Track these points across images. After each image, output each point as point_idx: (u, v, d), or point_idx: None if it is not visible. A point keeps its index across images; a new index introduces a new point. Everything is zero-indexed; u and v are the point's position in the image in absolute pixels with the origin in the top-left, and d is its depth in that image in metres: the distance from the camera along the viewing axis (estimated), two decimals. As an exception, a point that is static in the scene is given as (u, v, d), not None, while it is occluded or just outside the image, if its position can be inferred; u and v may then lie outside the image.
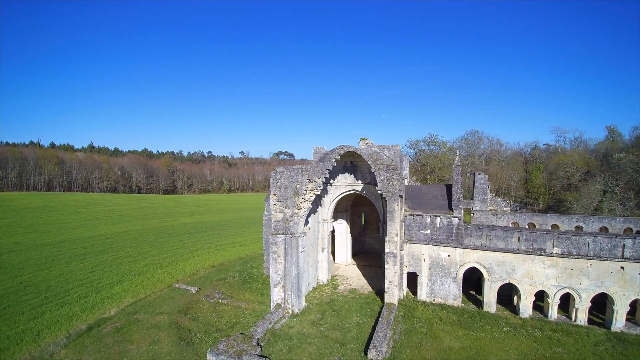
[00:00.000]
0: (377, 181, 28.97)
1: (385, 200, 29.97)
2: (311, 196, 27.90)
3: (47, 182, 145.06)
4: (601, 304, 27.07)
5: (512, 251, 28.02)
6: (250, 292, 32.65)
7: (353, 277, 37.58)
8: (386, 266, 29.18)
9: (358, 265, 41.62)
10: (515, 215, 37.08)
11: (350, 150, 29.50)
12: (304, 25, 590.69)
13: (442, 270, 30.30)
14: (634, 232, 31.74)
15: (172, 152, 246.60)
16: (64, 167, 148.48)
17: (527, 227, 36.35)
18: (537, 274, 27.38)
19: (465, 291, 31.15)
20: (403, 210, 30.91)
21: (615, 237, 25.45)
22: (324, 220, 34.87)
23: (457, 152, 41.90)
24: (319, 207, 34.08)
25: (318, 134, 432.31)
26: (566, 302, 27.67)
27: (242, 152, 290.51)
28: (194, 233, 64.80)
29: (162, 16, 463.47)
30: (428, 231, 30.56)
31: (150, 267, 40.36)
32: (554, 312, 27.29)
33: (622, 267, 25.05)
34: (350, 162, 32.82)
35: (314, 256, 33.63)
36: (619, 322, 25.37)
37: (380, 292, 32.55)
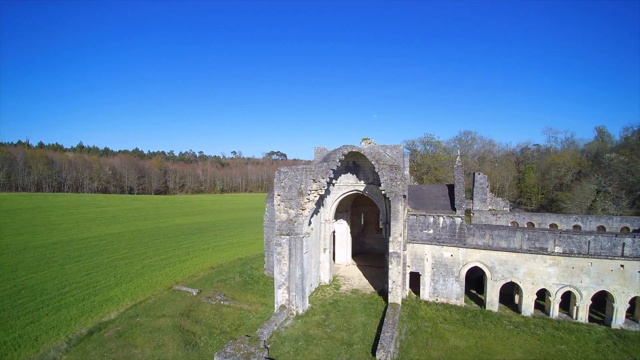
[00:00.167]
0: (381, 181, 28.93)
1: (389, 201, 29.97)
2: (315, 196, 27.75)
3: (37, 183, 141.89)
4: (600, 302, 27.50)
5: (514, 250, 28.26)
6: (252, 294, 32.34)
7: (354, 277, 37.51)
8: (390, 266, 29.15)
9: (358, 266, 41.59)
10: (514, 215, 37.49)
11: (353, 151, 29.44)
12: (298, 24, 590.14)
13: (444, 270, 30.42)
14: (631, 230, 32.35)
15: (163, 152, 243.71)
16: (54, 167, 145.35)
17: (526, 226, 36.78)
18: (539, 272, 27.67)
19: (466, 290, 31.32)
20: (406, 210, 30.95)
21: (615, 236, 25.87)
22: (326, 220, 34.73)
23: (458, 152, 42.12)
24: (321, 207, 33.91)
25: (310, 134, 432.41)
26: (567, 300, 28.04)
27: (234, 152, 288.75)
28: (190, 234, 64.03)
29: (152, 15, 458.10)
30: (431, 231, 30.66)
31: (148, 269, 39.68)
32: (555, 310, 27.63)
33: (622, 265, 25.47)
34: (353, 162, 32.75)
35: (316, 257, 33.45)
36: (619, 319, 25.80)
37: (382, 292, 32.56)
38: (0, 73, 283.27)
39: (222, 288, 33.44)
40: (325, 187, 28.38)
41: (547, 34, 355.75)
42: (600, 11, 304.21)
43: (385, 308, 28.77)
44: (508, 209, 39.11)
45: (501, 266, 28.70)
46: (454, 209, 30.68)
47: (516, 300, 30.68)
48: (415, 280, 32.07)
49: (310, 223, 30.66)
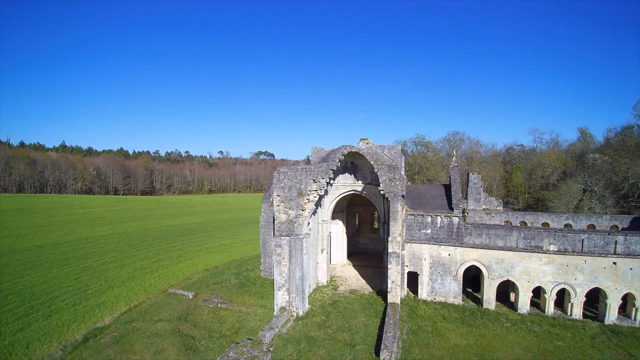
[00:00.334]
0: (380, 181, 28.96)
1: (388, 201, 30.06)
2: (315, 197, 27.58)
3: (19, 183, 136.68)
4: (593, 299, 28.24)
5: (511, 249, 28.73)
6: (249, 296, 31.91)
7: (351, 277, 37.50)
8: (389, 266, 29.21)
9: (354, 266, 41.60)
10: (507, 214, 38.15)
11: (353, 151, 29.40)
12: (286, 23, 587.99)
13: (442, 269, 30.70)
14: (620, 228, 33.36)
15: (149, 152, 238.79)
16: (36, 167, 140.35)
17: (519, 225, 37.46)
18: (534, 270, 28.21)
19: (462, 289, 31.66)
20: (404, 210, 31.08)
21: (608, 234, 26.61)
22: (323, 221, 34.59)
23: (454, 152, 42.63)
24: (319, 207, 33.75)
25: (297, 134, 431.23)
26: (561, 297, 28.68)
27: (222, 152, 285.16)
28: (181, 235, 62.87)
29: (135, 12, 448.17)
30: (429, 231, 30.89)
31: (140, 272, 38.71)
32: (551, 308, 28.23)
33: (615, 263, 26.20)
34: (351, 163, 32.72)
35: (314, 257, 33.26)
36: (612, 315, 26.54)
37: (380, 292, 32.64)
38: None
39: (218, 290, 32.88)
40: (325, 188, 28.25)
41: (533, 37, 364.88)
42: (583, 15, 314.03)
43: (385, 308, 28.83)
44: (501, 208, 39.78)
45: (498, 265, 29.13)
46: (451, 208, 30.98)
47: (512, 298, 31.19)
48: (412, 279, 32.27)
49: (308, 224, 30.46)
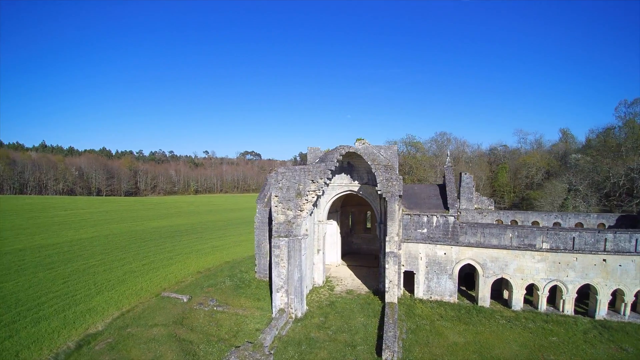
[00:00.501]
0: (377, 181, 29.04)
1: (385, 201, 30.17)
2: (313, 197, 27.43)
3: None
4: (583, 295, 29.08)
5: (505, 247, 29.28)
6: (245, 298, 31.43)
7: (346, 277, 37.49)
8: (387, 266, 29.31)
9: (349, 266, 41.62)
10: (499, 213, 38.89)
11: (350, 151, 29.36)
12: (274, 23, 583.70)
13: (438, 268, 31.02)
14: (607, 226, 34.47)
15: (132, 152, 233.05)
16: (16, 167, 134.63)
17: (510, 224, 38.24)
18: (528, 268, 28.84)
19: (458, 287, 32.07)
20: (401, 210, 31.26)
21: (598, 232, 27.44)
22: (319, 221, 34.45)
23: (448, 152, 43.16)
24: (315, 208, 33.58)
25: (283, 134, 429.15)
26: (553, 293, 29.41)
27: (207, 152, 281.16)
28: (169, 237, 61.51)
29: (116, 10, 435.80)
30: (425, 230, 31.16)
31: (130, 276, 37.63)
32: (543, 304, 28.92)
33: (605, 260, 27.06)
34: (347, 163, 32.69)
35: (310, 258, 33.08)
36: (602, 310, 27.39)
37: (377, 291, 32.72)
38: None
39: (213, 293, 32.28)
40: (323, 188, 28.13)
41: (519, 40, 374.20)
42: (567, 18, 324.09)
43: (383, 308, 28.91)
44: (492, 207, 40.55)
45: (492, 263, 29.65)
46: (446, 208, 31.37)
47: (505, 296, 31.84)
48: (407, 279, 32.49)
49: (305, 224, 30.27)
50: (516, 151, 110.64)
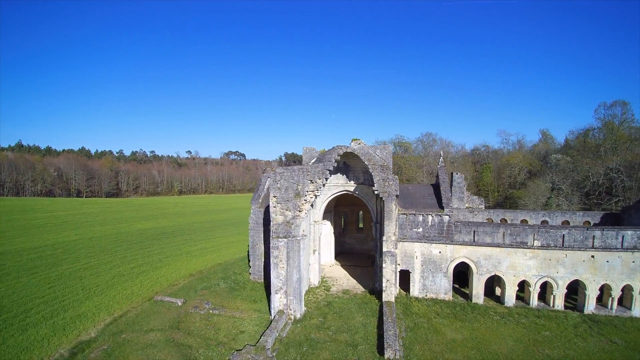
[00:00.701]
0: (374, 181, 29.23)
1: (381, 201, 30.41)
2: (312, 197, 27.33)
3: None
4: (572, 290, 30.10)
5: (498, 245, 30.00)
6: (241, 300, 31.03)
7: (341, 277, 37.55)
8: (384, 265, 29.53)
9: (343, 266, 41.71)
10: (489, 212, 39.82)
11: (348, 151, 29.41)
12: (260, 22, 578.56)
13: (433, 267, 31.47)
14: (592, 224, 35.84)
15: (111, 152, 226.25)
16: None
17: (500, 222, 39.19)
18: (520, 265, 29.63)
19: (452, 285, 32.60)
20: (397, 210, 31.54)
21: (587, 230, 28.47)
22: (315, 221, 34.39)
23: (441, 153, 43.84)
24: (311, 208, 33.48)
25: (269, 135, 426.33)
26: (543, 289, 30.33)
27: (190, 152, 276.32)
28: (156, 239, 60.03)
29: (96, 7, 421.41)
30: (420, 229, 31.55)
31: (119, 279, 36.50)
32: (535, 300, 29.77)
33: (593, 256, 28.09)
34: (344, 163, 32.74)
35: (307, 258, 32.96)
36: (590, 305, 28.43)
37: (373, 291, 32.93)
38: None
39: (208, 296, 31.71)
40: (321, 188, 28.07)
41: (505, 41, 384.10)
42: (549, 20, 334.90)
43: (380, 307, 29.12)
44: (483, 206, 41.47)
45: (486, 261, 30.31)
46: (441, 207, 31.86)
47: (497, 292, 32.62)
48: (402, 278, 32.81)
49: (303, 225, 30.13)
50: (499, 151, 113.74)
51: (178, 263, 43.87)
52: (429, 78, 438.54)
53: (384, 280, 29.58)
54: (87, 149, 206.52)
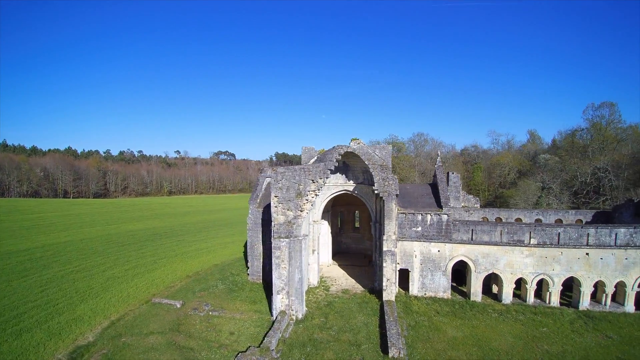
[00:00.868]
0: (375, 181, 29.35)
1: (381, 200, 30.55)
2: (313, 197, 27.27)
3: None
4: (567, 287, 30.75)
5: (495, 243, 30.45)
6: (240, 302, 30.76)
7: (340, 277, 37.59)
8: (384, 264, 29.69)
9: (340, 265, 41.76)
10: (484, 211, 40.45)
11: (348, 151, 29.44)
12: (250, 22, 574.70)
13: (432, 265, 31.75)
14: (584, 222, 36.75)
15: (98, 151, 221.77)
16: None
17: (495, 220, 39.83)
18: (517, 263, 30.15)
19: (449, 283, 32.95)
20: (397, 209, 31.71)
21: (581, 228, 29.15)
22: (314, 221, 34.32)
23: (439, 153, 44.24)
24: (312, 207, 33.36)
25: (259, 135, 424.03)
26: (539, 287, 30.92)
27: (178, 152, 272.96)
28: (149, 241, 59.02)
29: (81, 5, 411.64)
30: (419, 228, 31.80)
31: (113, 282, 35.73)
32: (531, 297, 30.34)
33: (587, 254, 28.77)
34: (343, 162, 32.76)
35: (306, 258, 32.86)
36: (585, 301, 29.11)
37: (372, 290, 33.06)
38: None
39: (206, 298, 31.34)
40: (322, 188, 28.02)
41: (494, 43, 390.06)
42: (538, 21, 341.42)
43: (381, 306, 29.26)
44: (478, 205, 42.05)
45: (484, 259, 30.73)
46: (439, 206, 32.18)
47: (494, 290, 33.10)
48: (401, 277, 33.02)
49: (305, 225, 30.03)
50: (488, 151, 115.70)
51: (173, 264, 43.21)
52: (419, 79, 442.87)
53: (384, 279, 29.73)
54: (73, 148, 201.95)
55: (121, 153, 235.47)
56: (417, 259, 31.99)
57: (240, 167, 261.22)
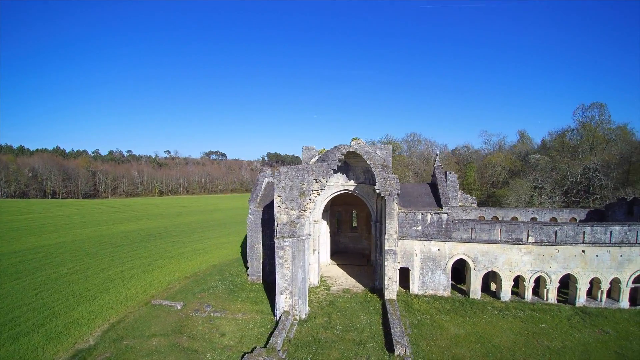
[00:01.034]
0: (376, 180, 29.47)
1: (382, 200, 30.70)
2: (316, 197, 27.27)
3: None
4: (563, 284, 31.37)
5: (494, 242, 30.88)
6: (241, 302, 30.57)
7: (339, 276, 37.63)
8: (386, 263, 29.85)
9: (339, 265, 41.81)
10: (481, 210, 40.97)
11: (351, 150, 29.49)
12: (243, 21, 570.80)
13: (432, 264, 32.04)
14: (578, 220, 37.51)
15: (86, 151, 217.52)
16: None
17: (491, 219, 40.36)
18: (515, 261, 30.63)
19: (449, 282, 33.28)
20: (398, 209, 31.90)
21: (577, 226, 29.76)
22: (314, 221, 34.27)
23: (437, 152, 44.62)
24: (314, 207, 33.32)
25: (250, 135, 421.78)
26: (537, 284, 31.46)
27: (168, 152, 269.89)
28: (143, 242, 58.18)
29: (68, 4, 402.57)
30: (419, 227, 32.04)
31: (110, 284, 35.13)
32: (529, 294, 30.85)
33: (583, 251, 29.40)
34: (344, 162, 32.77)
35: (308, 258, 32.79)
36: (581, 298, 29.74)
37: (373, 289, 33.20)
38: None
39: (207, 299, 31.07)
40: (325, 187, 28.01)
41: (485, 44, 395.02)
42: (529, 22, 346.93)
43: (383, 304, 29.40)
44: (475, 204, 42.56)
45: (483, 257, 31.14)
46: (439, 205, 32.48)
47: (492, 288, 33.57)
48: (400, 275, 33.17)
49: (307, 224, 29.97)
50: (479, 151, 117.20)
51: (170, 265, 42.69)
52: (412, 79, 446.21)
53: (385, 278, 29.88)
54: (61, 148, 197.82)
55: (110, 153, 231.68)
56: (417, 257, 32.23)
57: (232, 167, 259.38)
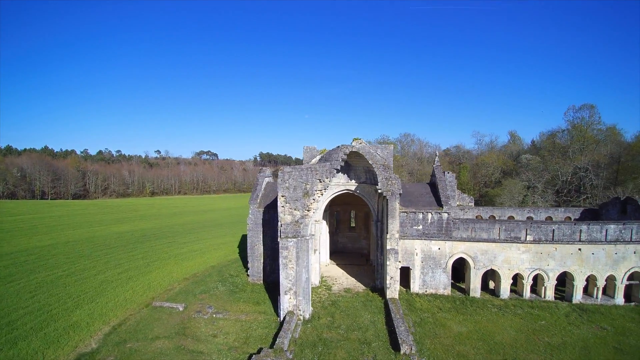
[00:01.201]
0: (378, 180, 29.62)
1: (383, 199, 30.88)
2: (319, 196, 27.31)
3: None
4: (560, 282, 31.99)
5: (494, 241, 31.34)
6: (243, 303, 30.44)
7: (339, 276, 37.72)
8: (387, 262, 30.04)
9: (338, 265, 41.90)
10: (478, 209, 41.56)
11: (353, 150, 29.59)
12: (234, 21, 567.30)
13: (433, 263, 32.36)
14: (572, 219, 38.29)
15: (74, 151, 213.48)
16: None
17: (488, 218, 40.94)
18: (514, 259, 31.14)
19: (449, 280, 33.66)
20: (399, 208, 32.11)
21: (574, 224, 30.40)
22: (316, 221, 34.21)
23: (436, 153, 45.01)
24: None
25: (242, 135, 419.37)
26: (535, 281, 32.03)
27: (159, 152, 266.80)
28: (138, 243, 57.43)
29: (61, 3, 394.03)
30: (420, 227, 32.33)
31: (108, 286, 34.59)
32: (527, 292, 31.40)
33: (580, 249, 30.04)
34: (345, 162, 32.83)
35: (311, 258, 32.80)
36: (578, 295, 30.39)
37: (374, 288, 33.37)
38: None
39: (208, 300, 30.84)
40: (328, 187, 28.06)
41: (479, 44, 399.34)
42: (521, 24, 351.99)
43: (385, 304, 29.57)
44: (472, 204, 43.10)
45: (483, 256, 31.58)
46: (440, 205, 32.82)
47: (491, 286, 34.08)
48: (401, 274, 33.38)
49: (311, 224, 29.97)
50: (470, 152, 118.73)
51: (168, 267, 42.23)
52: (405, 79, 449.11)
53: (387, 277, 30.07)
54: (50, 148, 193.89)
55: (100, 153, 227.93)
56: (418, 256, 32.51)
57: (224, 167, 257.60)
